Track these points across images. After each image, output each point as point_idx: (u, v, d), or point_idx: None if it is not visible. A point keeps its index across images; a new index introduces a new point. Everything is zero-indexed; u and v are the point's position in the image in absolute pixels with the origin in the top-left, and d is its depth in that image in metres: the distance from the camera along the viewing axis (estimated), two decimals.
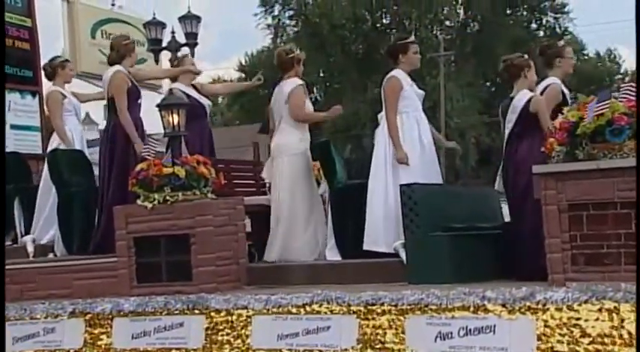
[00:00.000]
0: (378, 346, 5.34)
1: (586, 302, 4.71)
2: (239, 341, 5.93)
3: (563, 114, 5.31)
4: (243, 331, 5.93)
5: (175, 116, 6.96)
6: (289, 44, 8.54)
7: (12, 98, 11.98)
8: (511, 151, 6.47)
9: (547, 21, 39.60)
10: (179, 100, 7.16)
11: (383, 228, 6.79)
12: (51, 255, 8.31)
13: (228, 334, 5.99)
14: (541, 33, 39.04)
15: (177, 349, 6.18)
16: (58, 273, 7.40)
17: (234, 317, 5.99)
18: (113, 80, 7.72)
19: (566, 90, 6.79)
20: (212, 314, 6.10)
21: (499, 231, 6.49)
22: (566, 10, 39.16)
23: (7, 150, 10.75)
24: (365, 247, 6.81)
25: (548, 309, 4.83)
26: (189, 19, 15.00)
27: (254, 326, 5.90)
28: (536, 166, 5.28)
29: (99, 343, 6.53)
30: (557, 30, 39.39)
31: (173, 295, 6.42)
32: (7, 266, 7.66)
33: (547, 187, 5.19)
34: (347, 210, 7.22)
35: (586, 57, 47.84)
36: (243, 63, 49.15)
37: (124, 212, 6.93)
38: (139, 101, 7.88)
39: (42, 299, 7.17)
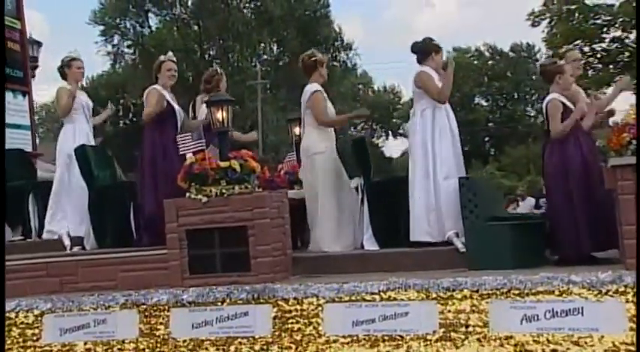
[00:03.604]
0: (461, 329, 5.13)
1: None
2: (310, 328, 5.64)
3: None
4: (314, 319, 5.63)
5: (224, 112, 6.62)
6: (312, 49, 8.31)
7: (5, 97, 11.28)
8: (544, 147, 6.44)
9: (341, 57, 43.93)
10: (227, 97, 6.80)
11: (426, 219, 6.54)
12: (76, 249, 7.78)
13: (298, 322, 5.68)
14: (338, 66, 43.23)
15: (243, 338, 5.82)
16: (102, 266, 6.89)
17: (305, 306, 5.70)
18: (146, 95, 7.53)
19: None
20: (279, 303, 5.79)
21: (542, 220, 6.37)
22: (353, 48, 44.08)
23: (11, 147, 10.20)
24: (412, 238, 6.56)
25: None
26: (31, 44, 14.75)
27: (326, 313, 5.62)
28: (613, 159, 5.16)
29: (156, 333, 6.11)
30: (349, 64, 44.53)
31: (230, 285, 6.06)
32: (44, 259, 7.21)
33: (623, 178, 5.09)
34: (383, 201, 6.98)
35: (374, 88, 57.41)
36: (85, 85, 49.83)
37: (175, 205, 6.51)
38: (173, 117, 7.48)
39: (84, 291, 6.71)
